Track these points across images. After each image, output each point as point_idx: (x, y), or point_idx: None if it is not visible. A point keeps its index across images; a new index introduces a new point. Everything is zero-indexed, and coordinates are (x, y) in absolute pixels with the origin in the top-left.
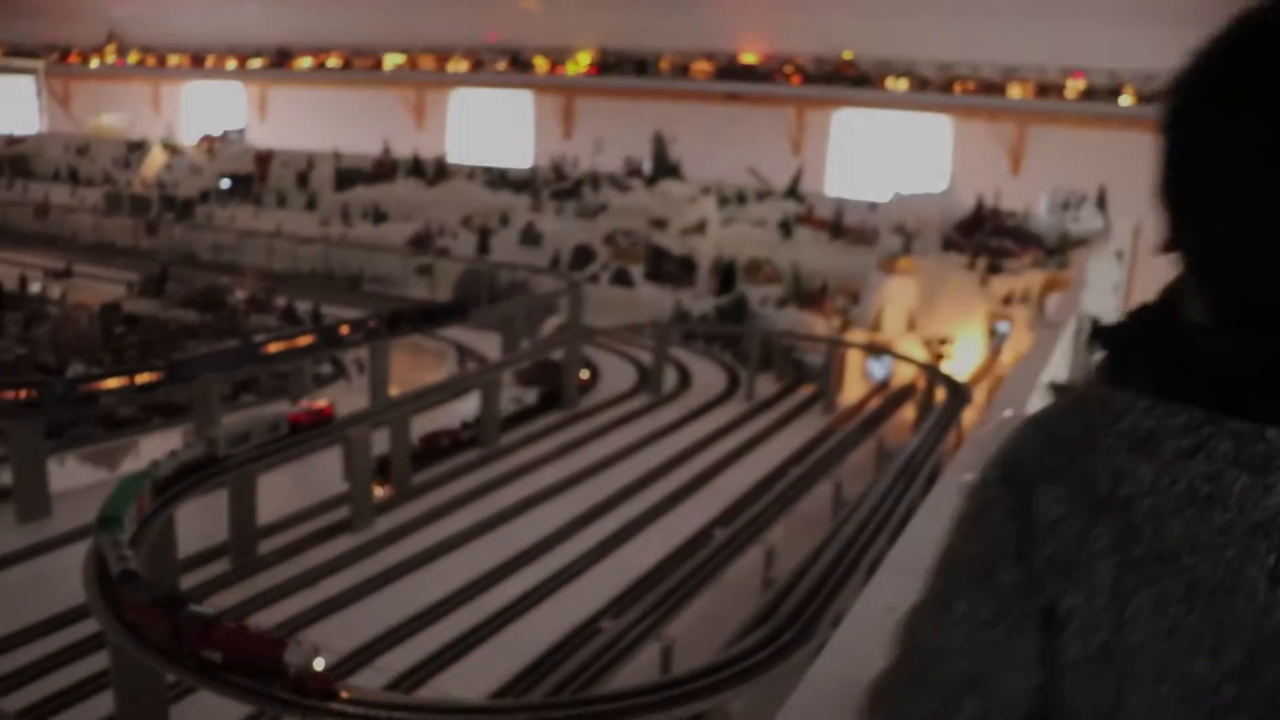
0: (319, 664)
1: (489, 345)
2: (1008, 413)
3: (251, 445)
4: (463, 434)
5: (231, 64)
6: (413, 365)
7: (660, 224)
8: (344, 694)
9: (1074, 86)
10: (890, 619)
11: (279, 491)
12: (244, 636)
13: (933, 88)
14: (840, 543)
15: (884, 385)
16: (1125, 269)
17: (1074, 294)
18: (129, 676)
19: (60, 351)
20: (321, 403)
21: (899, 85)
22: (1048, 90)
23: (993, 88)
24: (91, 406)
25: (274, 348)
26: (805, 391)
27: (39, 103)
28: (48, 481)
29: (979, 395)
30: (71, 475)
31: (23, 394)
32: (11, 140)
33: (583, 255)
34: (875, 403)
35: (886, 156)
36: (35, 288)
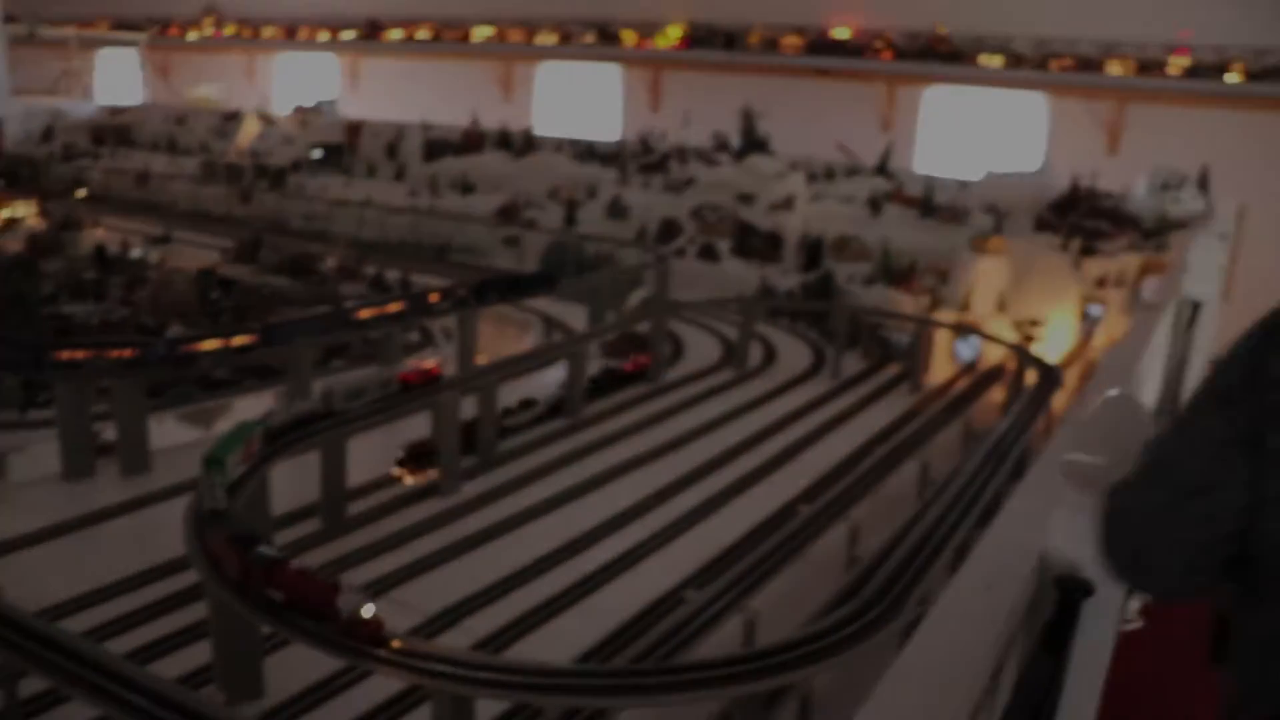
0: (369, 611)
1: (574, 317)
2: (1113, 392)
3: (364, 401)
4: (503, 421)
5: (323, 36)
6: (497, 335)
7: (747, 199)
8: (395, 643)
9: (1177, 63)
10: (987, 597)
11: (366, 454)
12: (304, 579)
13: (1028, 64)
14: (927, 523)
15: (972, 366)
16: (1228, 252)
17: (1174, 277)
18: (226, 625)
19: (160, 314)
20: (430, 362)
21: (993, 61)
22: (1149, 67)
23: (1091, 64)
24: (190, 367)
25: (365, 314)
26: (891, 371)
27: (141, 75)
28: (148, 438)
29: (1070, 378)
30: (170, 433)
31: (126, 353)
32: (115, 110)
33: (669, 229)
34: (963, 384)
35: (979, 134)
36: (136, 252)
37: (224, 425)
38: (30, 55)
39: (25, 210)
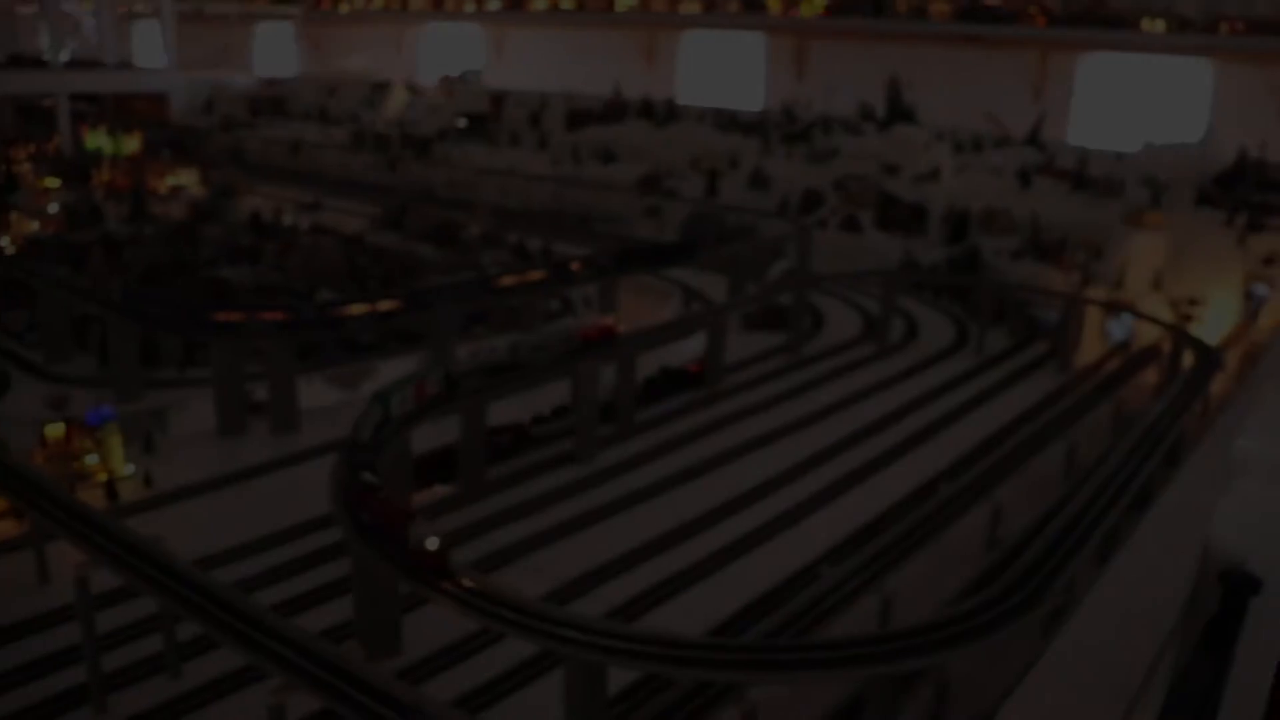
0: (432, 544)
1: (715, 287)
2: None
3: (548, 354)
4: (532, 429)
5: (469, 7)
6: (636, 304)
7: (892, 170)
8: (465, 581)
9: None
10: (1145, 590)
11: (504, 421)
12: (386, 506)
13: (1194, 29)
14: (1073, 509)
15: (1124, 346)
16: None
17: None
18: (367, 582)
19: (310, 278)
20: (609, 319)
21: (1156, 26)
22: None
23: (1265, 27)
24: (337, 330)
25: (507, 281)
26: (1038, 348)
27: (295, 48)
28: (298, 398)
29: (1231, 361)
30: (318, 394)
31: (278, 316)
32: (271, 82)
33: (811, 200)
34: (1114, 364)
35: (1137, 103)
36: (288, 219)
37: (370, 387)
38: (194, 31)
39: (188, 178)
